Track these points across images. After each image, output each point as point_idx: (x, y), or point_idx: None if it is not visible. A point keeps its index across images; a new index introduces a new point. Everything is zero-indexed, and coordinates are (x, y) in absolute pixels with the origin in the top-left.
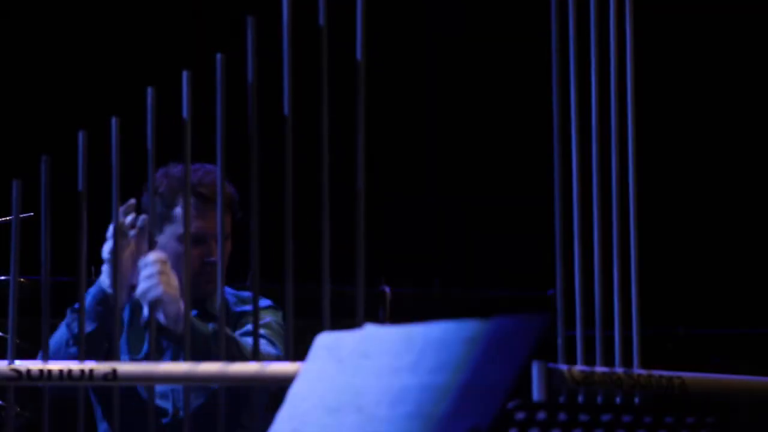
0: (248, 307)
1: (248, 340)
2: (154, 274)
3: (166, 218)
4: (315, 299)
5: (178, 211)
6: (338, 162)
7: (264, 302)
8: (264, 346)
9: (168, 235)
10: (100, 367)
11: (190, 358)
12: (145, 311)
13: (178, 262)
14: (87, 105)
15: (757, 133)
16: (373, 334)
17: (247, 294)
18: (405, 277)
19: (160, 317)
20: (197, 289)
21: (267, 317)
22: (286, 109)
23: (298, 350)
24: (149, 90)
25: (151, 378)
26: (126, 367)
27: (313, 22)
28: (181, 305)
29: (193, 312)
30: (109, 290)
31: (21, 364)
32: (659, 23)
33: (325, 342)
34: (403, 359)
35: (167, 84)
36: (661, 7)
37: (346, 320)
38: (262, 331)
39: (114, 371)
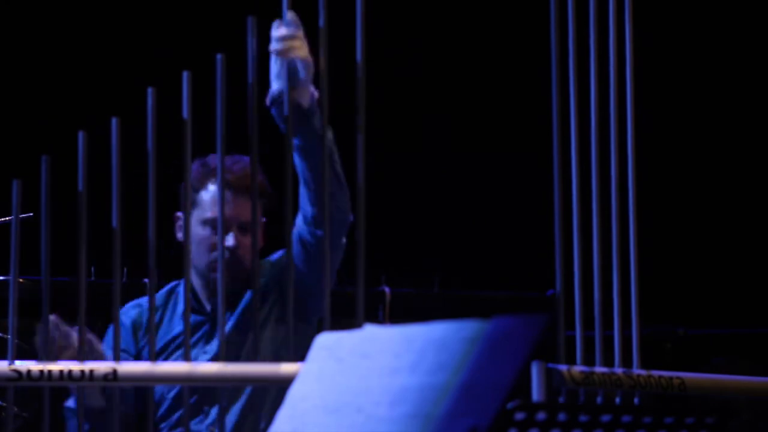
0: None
1: None
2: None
3: (194, 203)
4: None
5: (203, 196)
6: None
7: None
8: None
9: (194, 219)
10: (101, 367)
11: None
12: None
13: (199, 247)
14: (87, 105)
15: (757, 133)
16: (373, 334)
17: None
18: (405, 277)
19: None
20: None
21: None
22: (287, 110)
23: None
24: (150, 90)
25: (151, 378)
26: (126, 368)
27: (313, 22)
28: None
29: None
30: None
31: (21, 365)
32: (659, 23)
33: (325, 342)
34: (403, 359)
35: (168, 84)
36: (661, 7)
37: (346, 320)
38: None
39: (114, 371)
